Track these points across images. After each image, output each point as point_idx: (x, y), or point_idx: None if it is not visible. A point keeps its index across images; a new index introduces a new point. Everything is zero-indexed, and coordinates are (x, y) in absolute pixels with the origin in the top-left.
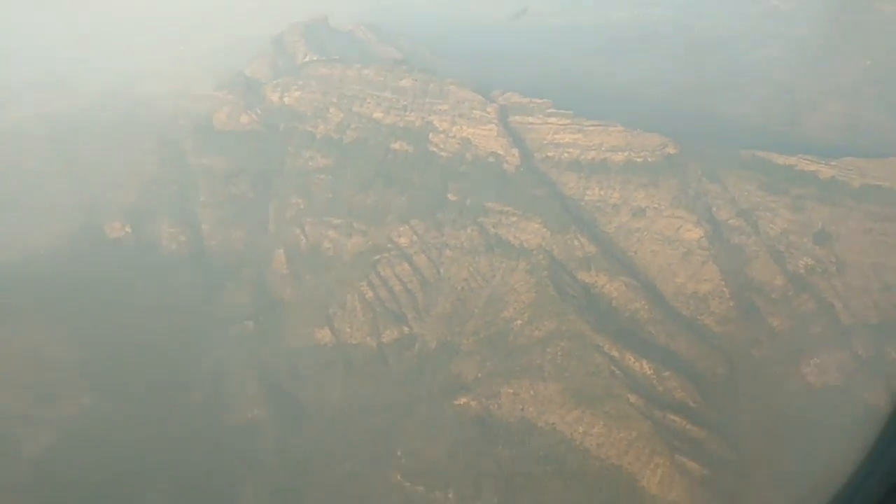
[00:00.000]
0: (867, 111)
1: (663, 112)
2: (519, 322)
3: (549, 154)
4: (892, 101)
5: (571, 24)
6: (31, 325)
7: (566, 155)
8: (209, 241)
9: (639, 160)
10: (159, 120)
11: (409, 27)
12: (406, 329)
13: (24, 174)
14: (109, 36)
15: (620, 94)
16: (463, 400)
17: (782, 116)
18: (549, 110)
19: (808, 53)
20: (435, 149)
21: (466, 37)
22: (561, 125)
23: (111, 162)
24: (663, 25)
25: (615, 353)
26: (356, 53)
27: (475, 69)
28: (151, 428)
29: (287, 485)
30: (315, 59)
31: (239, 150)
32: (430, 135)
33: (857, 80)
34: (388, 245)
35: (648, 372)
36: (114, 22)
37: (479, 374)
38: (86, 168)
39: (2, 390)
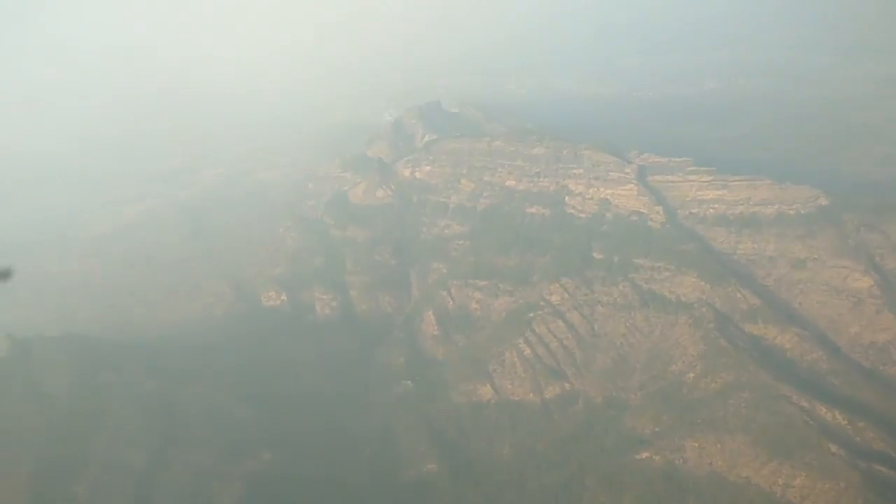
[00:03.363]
0: None
1: (782, 170)
2: (691, 375)
3: (694, 210)
4: None
5: (661, 97)
6: (210, 387)
7: (712, 210)
8: (359, 305)
9: (791, 212)
10: (289, 200)
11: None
12: (567, 385)
13: (167, 257)
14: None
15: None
16: (645, 454)
17: None
18: (690, 168)
19: None
20: (573, 211)
21: (566, 111)
22: (704, 182)
23: (251, 241)
24: (763, 92)
25: (804, 404)
26: (469, 131)
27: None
28: (331, 483)
29: None
30: (435, 137)
31: (377, 222)
32: (566, 198)
33: None
34: (541, 303)
35: (843, 422)
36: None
37: (657, 429)
38: (226, 248)
39: (194, 447)
